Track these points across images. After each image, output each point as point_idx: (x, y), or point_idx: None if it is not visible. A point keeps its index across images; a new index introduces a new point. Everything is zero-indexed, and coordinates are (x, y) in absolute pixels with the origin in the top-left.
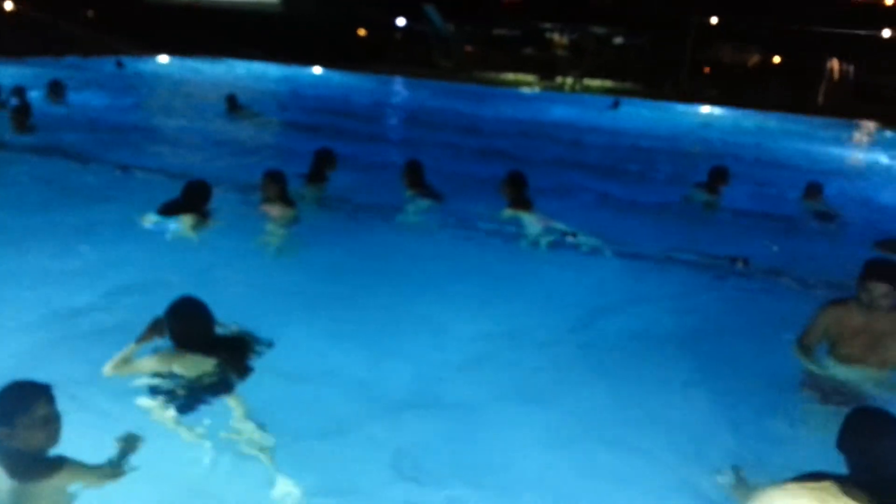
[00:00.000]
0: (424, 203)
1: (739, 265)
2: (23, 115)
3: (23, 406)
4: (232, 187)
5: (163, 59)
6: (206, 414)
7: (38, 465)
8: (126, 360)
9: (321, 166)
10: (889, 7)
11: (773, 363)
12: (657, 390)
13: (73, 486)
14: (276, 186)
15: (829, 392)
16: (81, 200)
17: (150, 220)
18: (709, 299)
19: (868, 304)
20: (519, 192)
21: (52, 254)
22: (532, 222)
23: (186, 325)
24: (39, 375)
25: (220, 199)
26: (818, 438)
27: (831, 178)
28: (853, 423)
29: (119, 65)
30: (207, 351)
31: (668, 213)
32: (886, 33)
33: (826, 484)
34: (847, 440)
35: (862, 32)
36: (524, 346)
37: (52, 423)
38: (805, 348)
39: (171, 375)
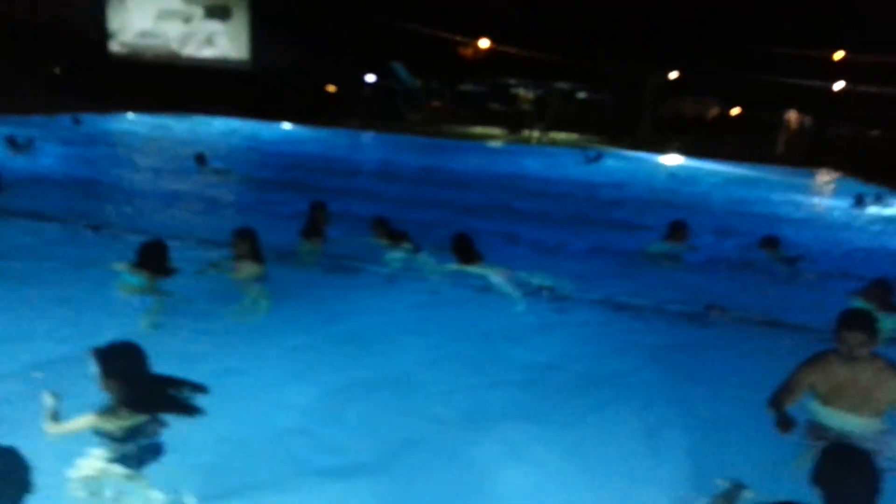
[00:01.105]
0: (399, 253)
1: (715, 313)
2: None
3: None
4: (202, 244)
5: (130, 115)
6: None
7: None
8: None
9: (318, 221)
10: (839, 61)
11: (743, 405)
12: (637, 431)
13: None
14: (245, 244)
15: (823, 436)
16: (51, 261)
17: (117, 278)
18: (683, 344)
19: (847, 355)
20: (467, 249)
21: (20, 314)
22: (491, 275)
23: (122, 370)
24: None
25: (188, 256)
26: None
27: (792, 224)
28: (826, 459)
29: (76, 121)
30: (140, 405)
31: (636, 262)
32: (838, 86)
33: None
34: (819, 474)
35: (816, 84)
36: (508, 392)
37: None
38: (779, 406)
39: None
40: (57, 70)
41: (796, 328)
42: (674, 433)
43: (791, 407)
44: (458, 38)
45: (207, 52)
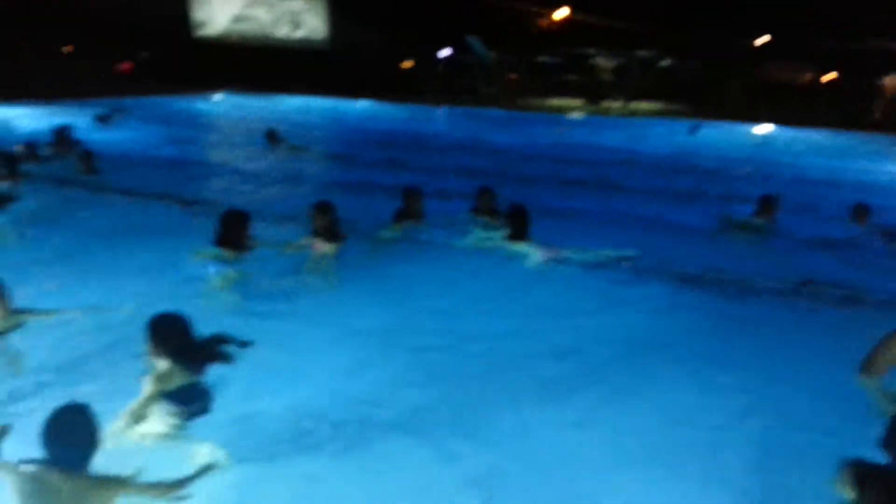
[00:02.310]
0: (495, 230)
1: (810, 288)
2: (88, 157)
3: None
4: (278, 219)
5: (216, 96)
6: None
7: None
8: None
9: (412, 207)
10: None
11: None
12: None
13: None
14: (324, 218)
15: None
16: (140, 235)
17: (199, 253)
18: (774, 320)
19: None
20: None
21: (109, 284)
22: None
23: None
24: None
25: (267, 231)
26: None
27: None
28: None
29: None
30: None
31: (724, 235)
32: None
33: None
34: (890, 439)
35: None
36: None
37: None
38: (869, 376)
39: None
40: (144, 55)
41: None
42: (766, 410)
43: (881, 376)
44: (535, 9)
45: (292, 33)
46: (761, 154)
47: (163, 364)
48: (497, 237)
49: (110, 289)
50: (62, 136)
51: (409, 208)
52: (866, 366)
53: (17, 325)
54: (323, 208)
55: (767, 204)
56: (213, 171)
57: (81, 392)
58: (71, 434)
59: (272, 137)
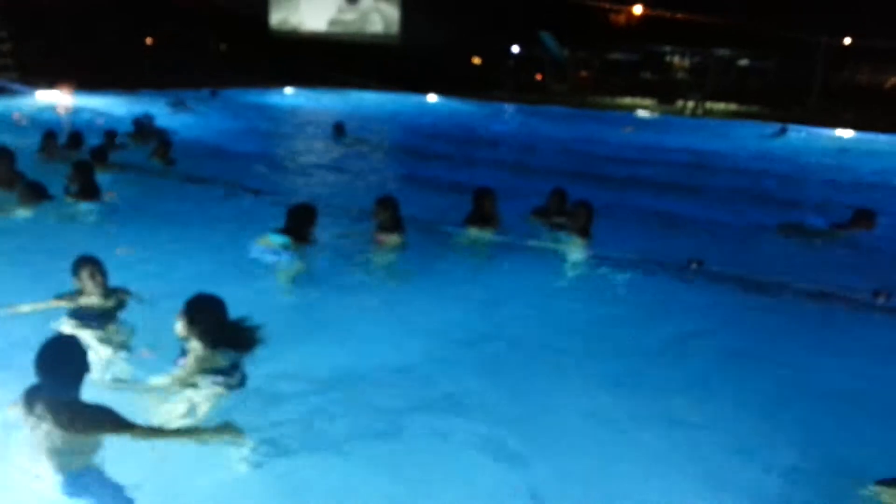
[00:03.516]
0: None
1: (882, 300)
2: (165, 148)
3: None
4: (344, 212)
5: (288, 90)
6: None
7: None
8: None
9: (484, 208)
10: None
11: None
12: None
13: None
14: (387, 212)
15: None
16: (214, 223)
17: (266, 241)
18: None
19: None
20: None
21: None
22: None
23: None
24: None
25: (335, 224)
26: None
27: None
28: None
29: (213, 93)
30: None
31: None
32: None
33: None
34: None
35: None
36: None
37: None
38: None
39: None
40: (223, 47)
41: None
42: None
43: None
44: (610, 5)
45: (365, 29)
46: (842, 160)
47: (196, 344)
48: (567, 240)
49: (180, 270)
50: (142, 126)
51: (482, 210)
52: None
53: (120, 303)
54: (385, 203)
55: (862, 217)
56: (280, 163)
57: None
58: (57, 363)
59: (339, 131)
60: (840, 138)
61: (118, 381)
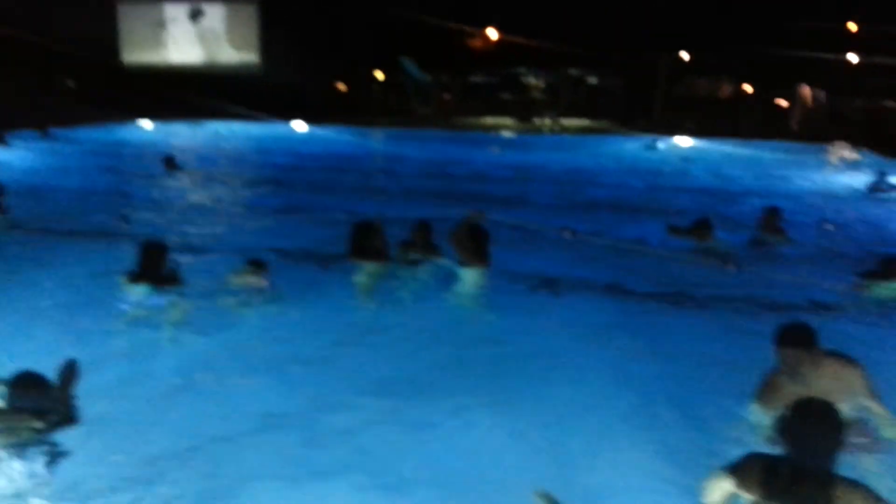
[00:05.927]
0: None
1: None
2: None
3: None
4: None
5: (145, 124)
6: None
7: None
8: None
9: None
10: (854, 33)
11: None
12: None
13: None
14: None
15: None
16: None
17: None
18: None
19: (791, 376)
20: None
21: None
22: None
23: None
24: None
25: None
26: None
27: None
28: (791, 411)
29: (44, 133)
30: None
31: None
32: (854, 58)
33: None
34: (783, 426)
35: (830, 57)
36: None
37: None
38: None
39: None
40: (70, 83)
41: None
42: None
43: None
44: (467, 30)
45: (223, 59)
46: (682, 166)
47: None
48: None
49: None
50: None
51: (370, 243)
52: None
53: None
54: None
55: (700, 226)
56: (114, 200)
57: None
58: None
59: (170, 164)
60: (677, 146)
61: None
